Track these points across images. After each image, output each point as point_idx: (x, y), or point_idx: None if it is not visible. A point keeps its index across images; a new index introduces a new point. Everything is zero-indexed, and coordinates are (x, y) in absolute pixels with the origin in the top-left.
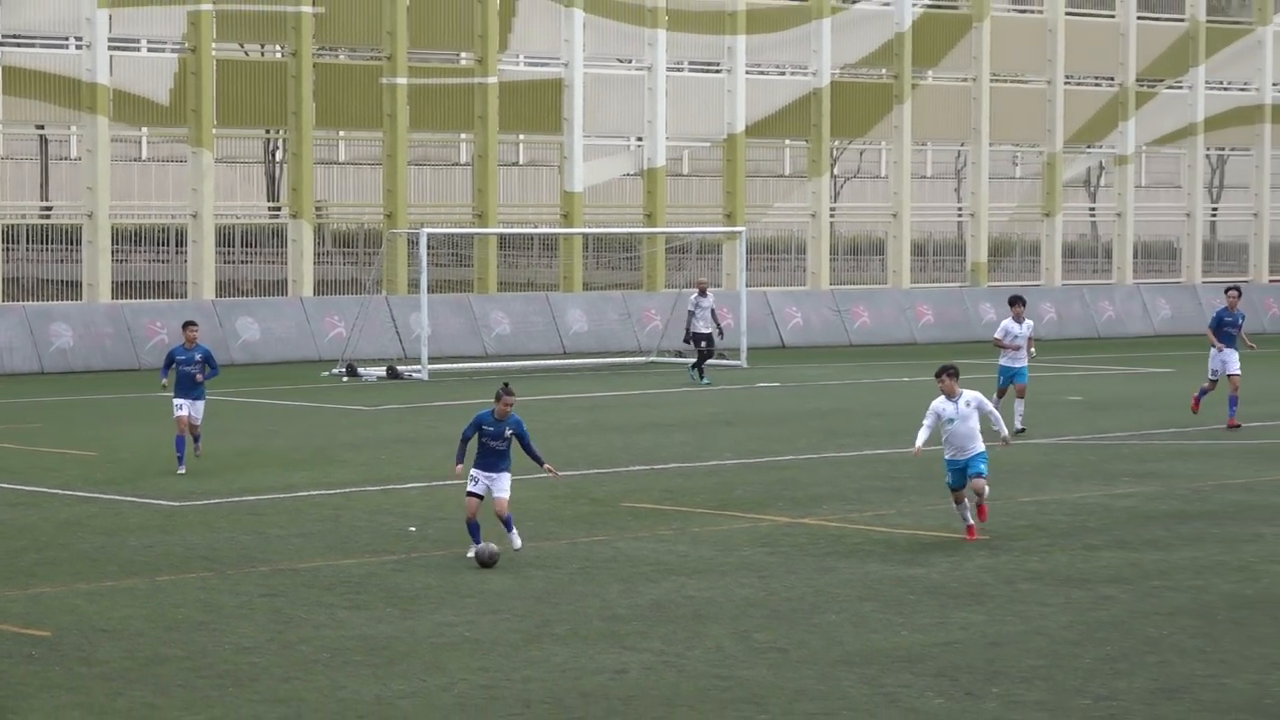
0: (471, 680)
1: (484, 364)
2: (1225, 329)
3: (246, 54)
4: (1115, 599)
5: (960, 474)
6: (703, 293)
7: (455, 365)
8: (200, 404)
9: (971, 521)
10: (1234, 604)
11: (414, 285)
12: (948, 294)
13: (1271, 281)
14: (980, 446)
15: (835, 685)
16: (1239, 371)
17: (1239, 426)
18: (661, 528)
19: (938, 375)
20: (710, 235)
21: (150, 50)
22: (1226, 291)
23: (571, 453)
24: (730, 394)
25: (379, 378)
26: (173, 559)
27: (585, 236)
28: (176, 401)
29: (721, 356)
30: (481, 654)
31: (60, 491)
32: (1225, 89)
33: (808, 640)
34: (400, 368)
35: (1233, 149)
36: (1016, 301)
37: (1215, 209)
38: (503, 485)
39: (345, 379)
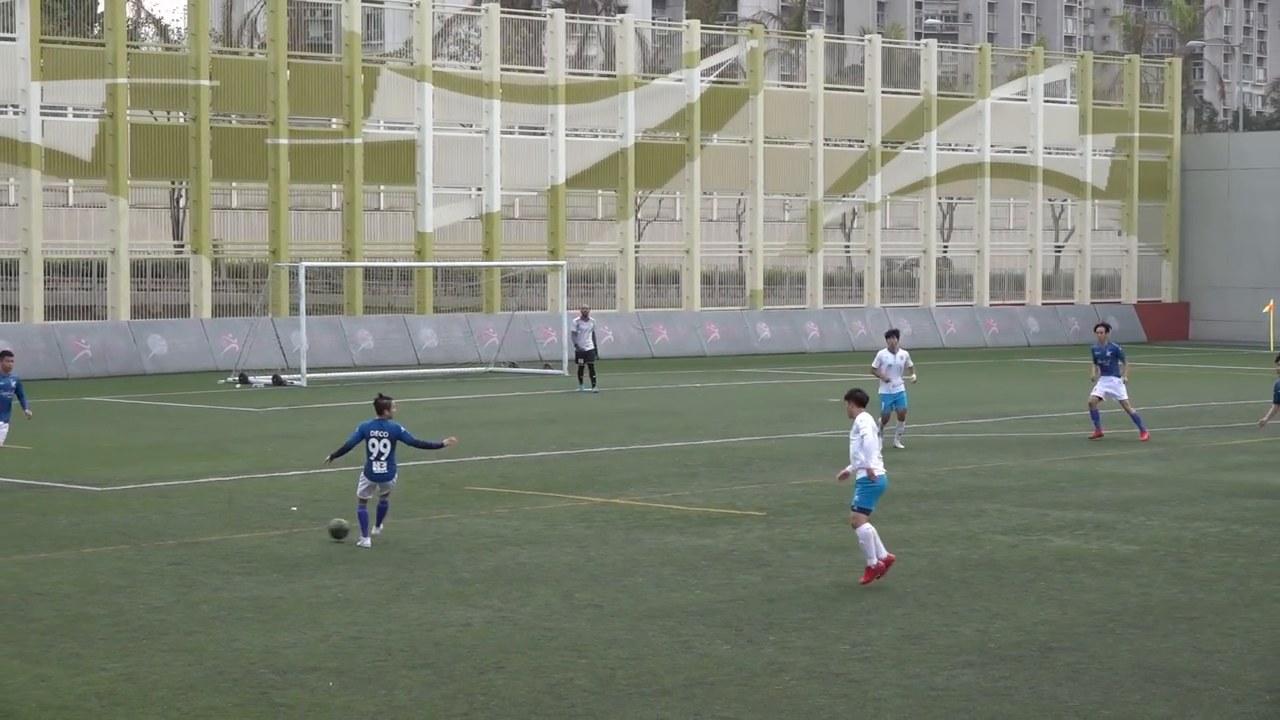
0: (343, 632)
1: (352, 373)
2: (1099, 361)
3: (155, 119)
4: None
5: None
6: (584, 317)
7: (328, 374)
8: (4, 428)
9: (871, 562)
10: (962, 566)
11: (294, 308)
12: (731, 315)
13: (991, 305)
14: (879, 467)
15: (642, 635)
16: (1125, 396)
17: (1148, 437)
18: (498, 507)
19: (845, 398)
20: (537, 268)
21: (75, 116)
22: (1096, 329)
23: None
24: (554, 397)
25: (266, 384)
26: (95, 534)
27: (435, 268)
28: None
29: (546, 367)
30: (351, 611)
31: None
32: (953, 149)
33: (619, 598)
34: (283, 376)
35: (959, 198)
36: (892, 334)
37: (946, 247)
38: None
39: (238, 386)
